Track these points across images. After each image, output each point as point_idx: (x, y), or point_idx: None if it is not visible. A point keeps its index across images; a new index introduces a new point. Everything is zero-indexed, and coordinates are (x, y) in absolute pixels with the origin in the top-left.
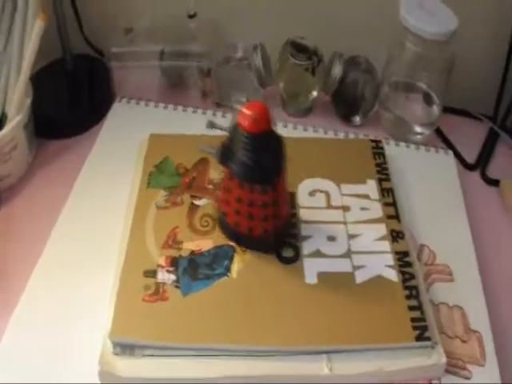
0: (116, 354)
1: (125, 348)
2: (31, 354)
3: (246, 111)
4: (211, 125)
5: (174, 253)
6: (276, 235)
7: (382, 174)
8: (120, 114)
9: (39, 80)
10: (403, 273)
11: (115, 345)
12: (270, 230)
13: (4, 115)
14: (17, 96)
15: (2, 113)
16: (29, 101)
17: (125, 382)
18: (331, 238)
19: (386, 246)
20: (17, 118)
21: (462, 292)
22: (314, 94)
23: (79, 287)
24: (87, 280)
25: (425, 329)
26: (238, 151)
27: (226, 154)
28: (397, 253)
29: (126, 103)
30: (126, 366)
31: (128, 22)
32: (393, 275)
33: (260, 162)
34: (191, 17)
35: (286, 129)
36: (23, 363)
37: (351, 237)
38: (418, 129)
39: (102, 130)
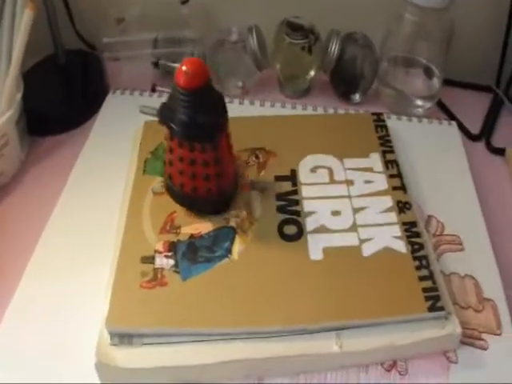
0: (114, 345)
1: (123, 337)
2: (26, 351)
3: (181, 67)
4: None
5: (172, 237)
6: (220, 195)
7: (386, 146)
8: (114, 106)
9: (31, 77)
10: (412, 243)
11: (112, 335)
12: (214, 189)
13: None
14: (7, 90)
15: None
16: (19, 96)
17: (124, 374)
18: (336, 213)
19: (392, 217)
20: (7, 114)
21: (473, 261)
22: (312, 73)
23: (74, 282)
24: (82, 274)
25: (437, 298)
26: (175, 109)
27: (165, 113)
28: (404, 223)
29: (120, 94)
30: (125, 357)
31: (119, 12)
32: (401, 246)
33: (196, 118)
34: (183, 3)
35: (284, 109)
36: (18, 360)
37: (356, 210)
38: (419, 102)
39: (95, 123)
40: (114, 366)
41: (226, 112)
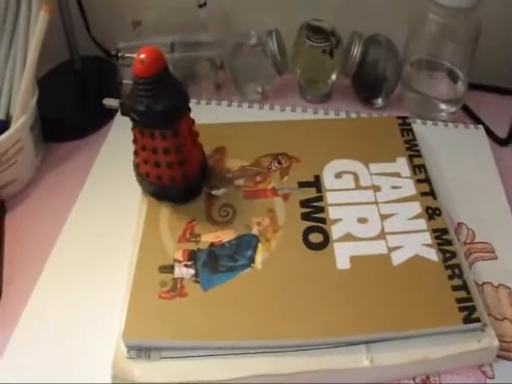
0: (131, 358)
1: (140, 351)
2: (39, 362)
3: (138, 56)
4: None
5: (191, 246)
6: (185, 183)
7: (412, 150)
8: None
9: (47, 83)
10: (443, 251)
11: (130, 348)
12: (178, 177)
13: (9, 117)
14: (21, 95)
15: (7, 114)
16: (34, 101)
17: None
18: (362, 220)
19: (422, 224)
20: (22, 119)
21: (507, 270)
22: (333, 77)
23: (89, 292)
24: (98, 284)
25: (473, 309)
26: (135, 99)
27: (126, 104)
28: (434, 231)
29: None
30: (143, 371)
31: (135, 16)
32: (432, 254)
33: (153, 106)
34: (201, 6)
35: (305, 114)
36: (31, 372)
37: (384, 217)
38: (443, 106)
39: (111, 129)
40: (131, 381)
41: (186, 98)
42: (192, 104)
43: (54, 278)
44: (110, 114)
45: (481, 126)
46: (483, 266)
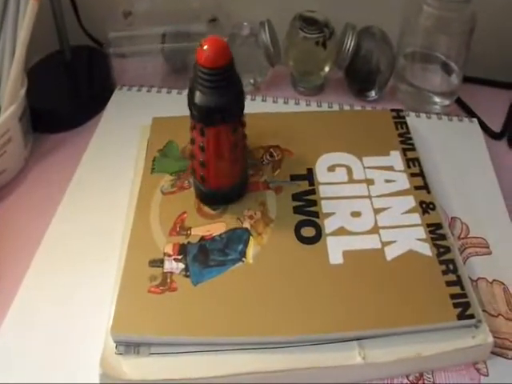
0: (119, 354)
1: (129, 346)
2: (26, 359)
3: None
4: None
5: (182, 239)
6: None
7: (406, 144)
8: (121, 102)
9: (37, 73)
10: (437, 246)
11: (118, 343)
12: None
13: None
14: (10, 85)
15: None
16: (23, 91)
17: None
18: (356, 214)
19: (416, 218)
20: (10, 109)
21: (501, 265)
22: (326, 69)
23: (78, 285)
24: (87, 277)
25: (467, 305)
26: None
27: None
28: (428, 225)
29: (127, 91)
30: (131, 367)
31: (127, 6)
32: (426, 249)
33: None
34: None
35: (298, 106)
36: (17, 369)
37: (377, 211)
38: (437, 99)
39: (101, 119)
40: (120, 378)
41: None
42: (183, 96)
43: (42, 273)
44: (100, 104)
45: (475, 120)
46: (477, 261)
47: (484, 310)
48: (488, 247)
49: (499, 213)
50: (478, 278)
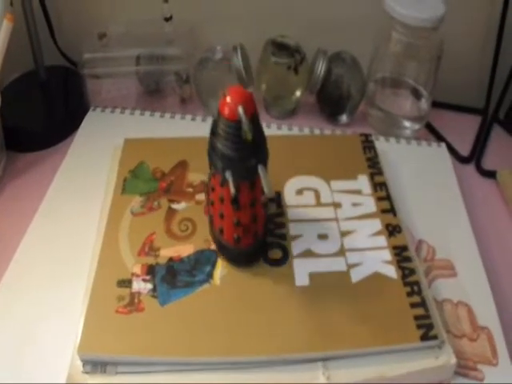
0: (86, 373)
1: (96, 365)
2: None
3: (225, 97)
4: None
5: (150, 260)
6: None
7: (374, 168)
8: (94, 123)
9: (11, 92)
10: (402, 268)
11: (85, 362)
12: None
13: None
14: None
15: None
16: None
17: None
18: (323, 236)
19: (382, 241)
20: None
21: (466, 287)
22: (298, 94)
23: (47, 304)
24: (56, 293)
25: (430, 327)
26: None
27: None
28: (394, 248)
29: (101, 112)
30: None
31: (102, 27)
32: (391, 271)
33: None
34: (167, 20)
35: (269, 129)
36: None
37: (344, 234)
38: (407, 124)
39: (74, 139)
40: None
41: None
42: (156, 117)
43: (11, 290)
44: (74, 125)
45: (443, 144)
46: (443, 283)
47: (449, 331)
48: (454, 269)
49: (465, 236)
50: (444, 300)
